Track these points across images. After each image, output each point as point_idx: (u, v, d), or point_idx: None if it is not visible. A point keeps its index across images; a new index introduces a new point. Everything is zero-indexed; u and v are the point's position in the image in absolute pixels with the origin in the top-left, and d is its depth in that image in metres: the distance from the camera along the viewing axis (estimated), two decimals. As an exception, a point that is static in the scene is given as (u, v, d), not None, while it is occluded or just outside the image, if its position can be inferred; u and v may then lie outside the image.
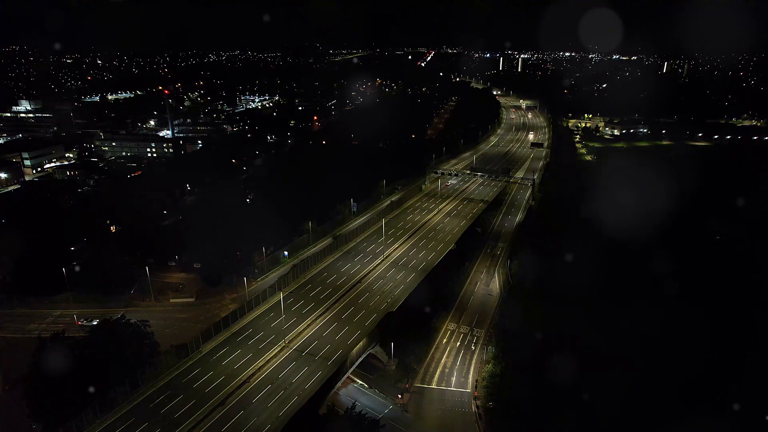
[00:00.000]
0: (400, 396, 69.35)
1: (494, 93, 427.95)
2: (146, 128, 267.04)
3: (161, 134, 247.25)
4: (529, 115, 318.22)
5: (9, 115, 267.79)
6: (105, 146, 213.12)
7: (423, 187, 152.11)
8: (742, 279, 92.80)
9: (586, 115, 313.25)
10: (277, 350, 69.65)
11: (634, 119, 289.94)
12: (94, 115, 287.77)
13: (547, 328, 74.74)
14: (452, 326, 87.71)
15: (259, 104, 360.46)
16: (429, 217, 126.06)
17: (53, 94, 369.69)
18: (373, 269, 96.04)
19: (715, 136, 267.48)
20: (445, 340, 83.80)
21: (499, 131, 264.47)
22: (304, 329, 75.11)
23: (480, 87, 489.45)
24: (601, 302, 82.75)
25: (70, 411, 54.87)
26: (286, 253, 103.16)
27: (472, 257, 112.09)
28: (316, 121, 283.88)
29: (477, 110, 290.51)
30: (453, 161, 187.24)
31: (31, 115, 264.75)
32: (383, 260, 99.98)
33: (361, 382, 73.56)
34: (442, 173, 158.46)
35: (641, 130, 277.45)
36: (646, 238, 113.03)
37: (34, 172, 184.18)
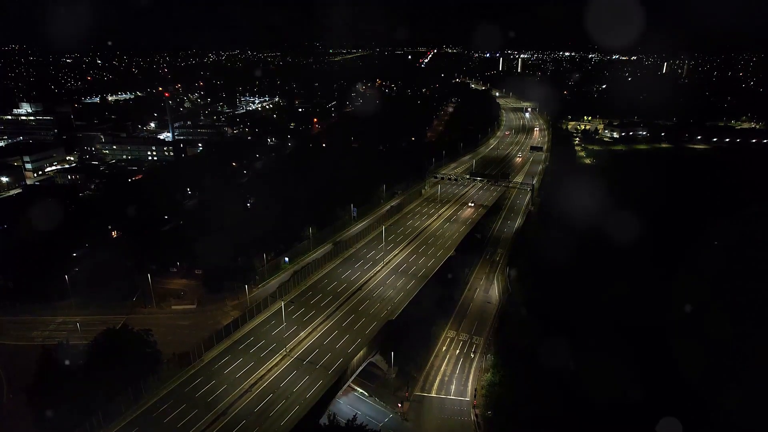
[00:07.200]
0: (400, 404, 70.06)
1: (494, 94, 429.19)
2: (147, 130, 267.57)
3: (161, 137, 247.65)
4: (527, 115, 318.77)
5: (9, 117, 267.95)
6: (106, 149, 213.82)
7: (423, 191, 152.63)
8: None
9: (585, 117, 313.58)
10: (278, 359, 70.20)
11: (634, 122, 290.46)
12: (95, 116, 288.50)
13: (546, 336, 75.55)
14: (452, 333, 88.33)
15: (259, 105, 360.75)
16: (429, 222, 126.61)
17: (53, 94, 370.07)
18: (373, 276, 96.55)
19: (714, 139, 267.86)
20: (444, 348, 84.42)
21: (498, 134, 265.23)
22: (305, 337, 75.68)
23: (480, 88, 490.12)
24: (600, 306, 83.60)
25: (74, 420, 55.46)
26: (286, 259, 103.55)
27: (471, 264, 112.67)
28: (315, 123, 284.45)
29: (477, 112, 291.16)
30: (453, 165, 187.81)
31: (31, 117, 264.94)
32: (383, 267, 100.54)
33: (361, 390, 74.27)
34: (442, 177, 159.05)
35: (640, 132, 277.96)
36: (647, 243, 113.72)
37: (35, 175, 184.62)
